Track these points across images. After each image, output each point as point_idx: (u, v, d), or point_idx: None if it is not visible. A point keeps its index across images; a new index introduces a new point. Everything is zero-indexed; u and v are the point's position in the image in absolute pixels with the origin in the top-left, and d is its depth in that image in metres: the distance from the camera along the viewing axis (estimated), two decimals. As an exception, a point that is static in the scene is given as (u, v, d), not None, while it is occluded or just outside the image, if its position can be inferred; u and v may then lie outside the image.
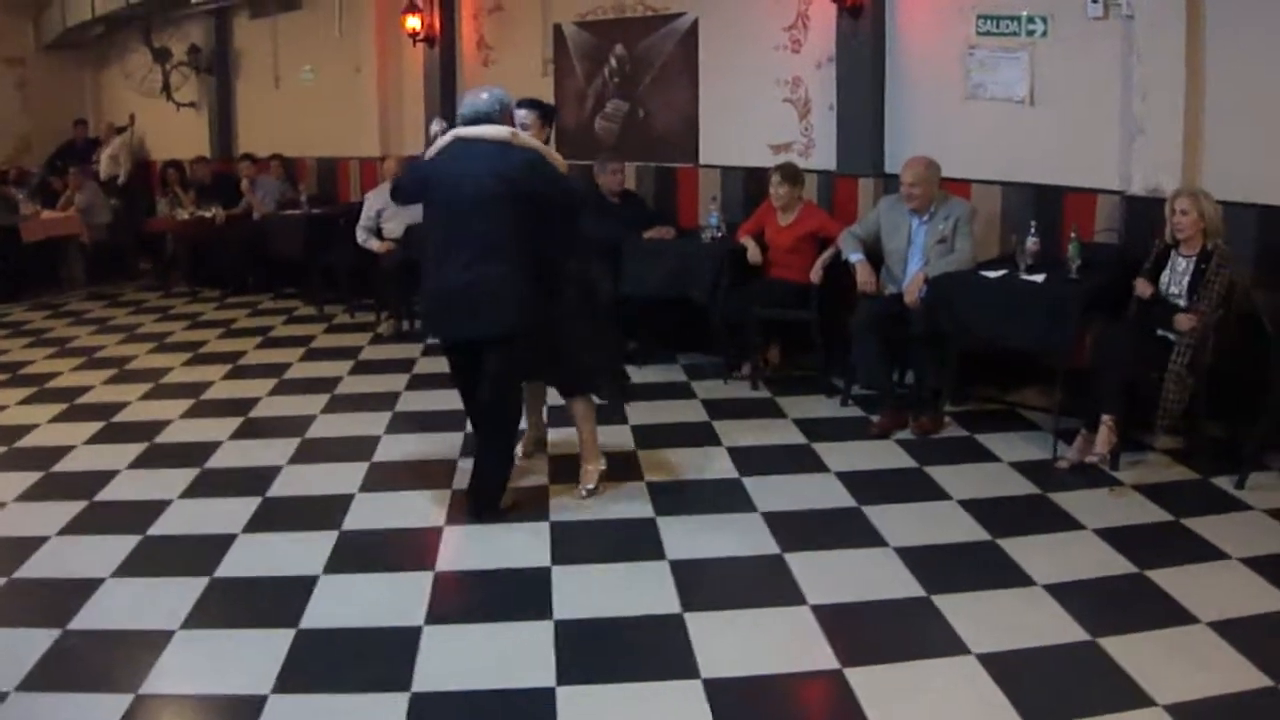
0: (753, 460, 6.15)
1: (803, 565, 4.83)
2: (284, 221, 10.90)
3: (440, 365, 7.98)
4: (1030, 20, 7.14)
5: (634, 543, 5.14)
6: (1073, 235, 6.43)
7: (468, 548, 5.18)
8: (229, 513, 5.54)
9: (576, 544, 5.15)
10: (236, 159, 12.60)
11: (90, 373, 8.55)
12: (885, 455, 6.26)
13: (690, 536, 5.16)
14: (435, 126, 5.77)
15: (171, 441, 6.76)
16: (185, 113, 13.41)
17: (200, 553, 5.08)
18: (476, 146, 5.29)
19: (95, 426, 7.07)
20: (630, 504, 5.58)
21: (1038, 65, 7.14)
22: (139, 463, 6.38)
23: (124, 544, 5.19)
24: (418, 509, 5.58)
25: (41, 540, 5.28)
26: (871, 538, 5.11)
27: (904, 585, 4.64)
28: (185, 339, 9.65)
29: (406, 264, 9.08)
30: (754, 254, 7.58)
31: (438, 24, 10.58)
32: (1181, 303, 5.82)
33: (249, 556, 5.08)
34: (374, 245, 9.59)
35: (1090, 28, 6.86)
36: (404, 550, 5.17)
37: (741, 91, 8.51)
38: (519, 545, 5.14)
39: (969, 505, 5.46)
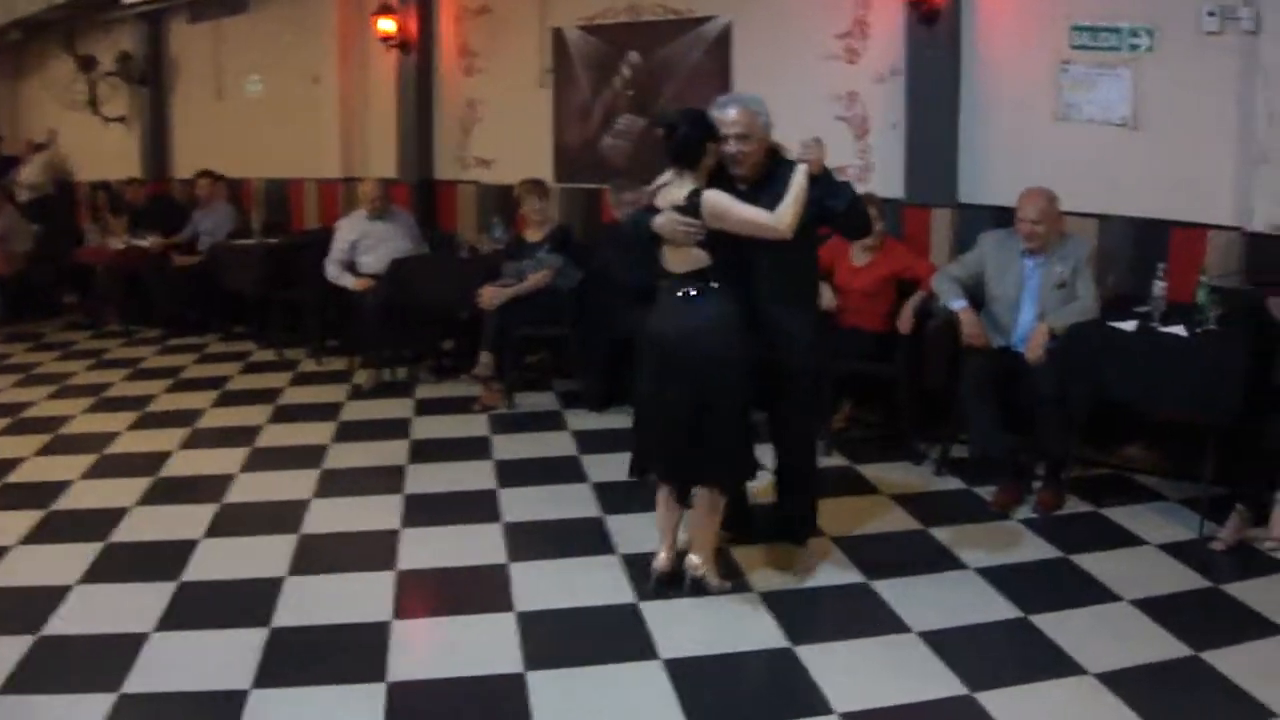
0: (872, 556, 5.14)
1: (1002, 708, 3.84)
2: (237, 252, 9.60)
3: (442, 429, 7.16)
4: (1133, 33, 6.30)
5: (781, 686, 4.08)
6: (1203, 279, 5.62)
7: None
8: (222, 646, 4.38)
9: (705, 687, 4.07)
10: (170, 179, 11.43)
11: (16, 440, 7.13)
12: (1019, 542, 5.34)
13: (848, 674, 4.10)
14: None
15: (132, 541, 5.44)
16: (114, 128, 12.06)
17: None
18: None
19: (33, 517, 5.72)
20: (753, 623, 4.51)
21: (1141, 84, 6.30)
22: (92, 575, 5.03)
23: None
24: (478, 646, 4.38)
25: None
26: (1063, 663, 4.15)
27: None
28: (127, 393, 8.29)
29: (390, 303, 7.98)
30: (829, 299, 6.54)
31: (413, 27, 9.47)
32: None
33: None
34: (348, 282, 8.40)
35: (1203, 42, 6.05)
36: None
37: (785, 107, 7.17)
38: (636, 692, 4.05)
39: (1146, 607, 4.60)
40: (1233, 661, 4.13)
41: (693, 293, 4.54)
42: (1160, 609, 4.58)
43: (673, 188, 4.56)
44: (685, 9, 8.08)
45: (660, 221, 4.52)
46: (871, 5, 7.17)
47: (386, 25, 9.37)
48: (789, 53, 7.57)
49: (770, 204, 4.49)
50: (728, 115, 4.62)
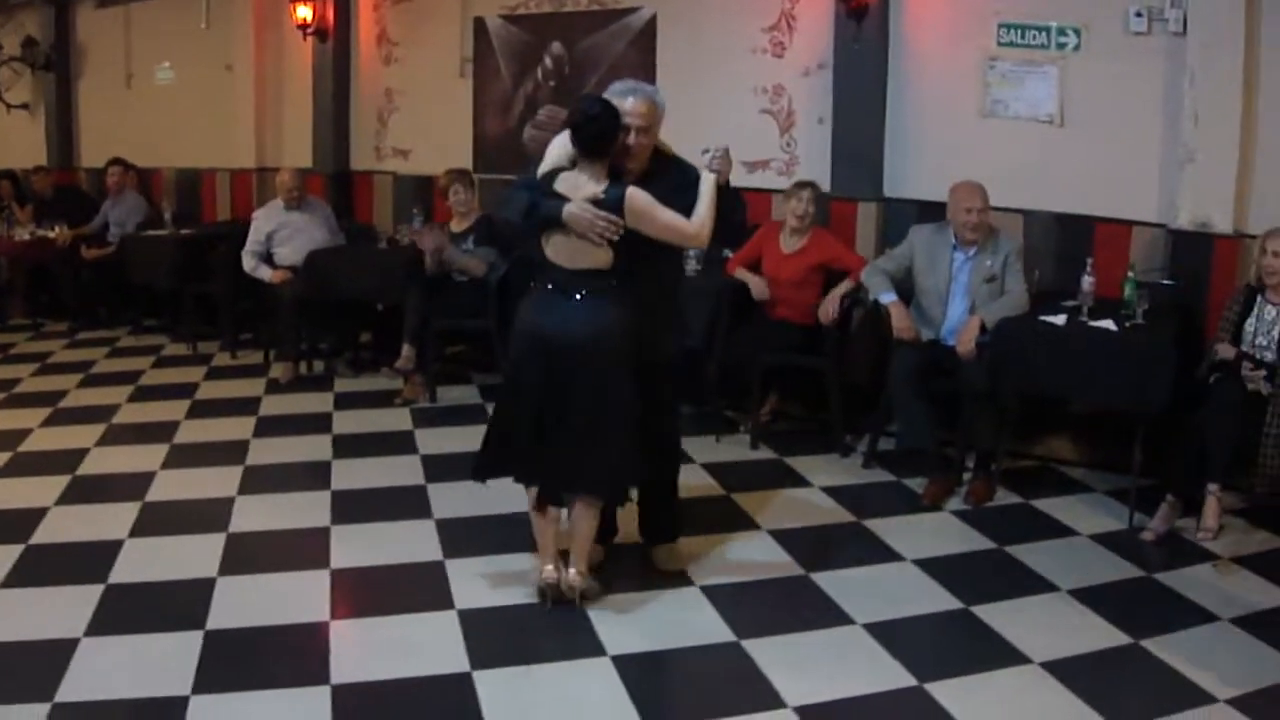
0: (807, 547, 5.18)
1: (951, 698, 3.86)
2: (149, 244, 9.33)
3: (364, 424, 7.07)
4: (1061, 32, 6.41)
5: (732, 680, 4.03)
6: (1130, 274, 5.76)
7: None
8: (157, 651, 4.21)
9: (656, 683, 4.07)
10: (77, 168, 11.13)
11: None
12: (953, 534, 5.41)
13: (797, 667, 4.08)
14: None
15: (53, 542, 5.22)
16: (17, 116, 11.61)
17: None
18: None
19: None
20: (698, 618, 4.48)
21: (1068, 82, 6.41)
22: (14, 579, 4.79)
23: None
24: (421, 646, 4.26)
25: None
26: (1007, 653, 4.20)
27: (1081, 718, 3.77)
28: (38, 389, 8.00)
29: (308, 295, 7.84)
30: (761, 289, 6.56)
31: (331, 14, 9.30)
32: (1270, 355, 5.22)
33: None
34: (265, 274, 8.21)
35: (1131, 43, 6.17)
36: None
37: (709, 100, 7.43)
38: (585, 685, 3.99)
39: (1083, 597, 4.67)
40: (1171, 648, 4.21)
41: (592, 292, 4.34)
42: (1097, 598, 4.65)
43: (583, 179, 4.34)
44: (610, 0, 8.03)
45: (575, 212, 4.24)
46: (799, -1, 7.18)
47: (303, 12, 9.18)
48: (715, 45, 7.56)
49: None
50: (627, 105, 4.35)
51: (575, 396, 4.33)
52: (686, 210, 4.34)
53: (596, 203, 4.26)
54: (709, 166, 4.41)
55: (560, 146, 4.43)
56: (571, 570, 4.51)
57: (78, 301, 10.09)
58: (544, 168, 4.44)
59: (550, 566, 4.52)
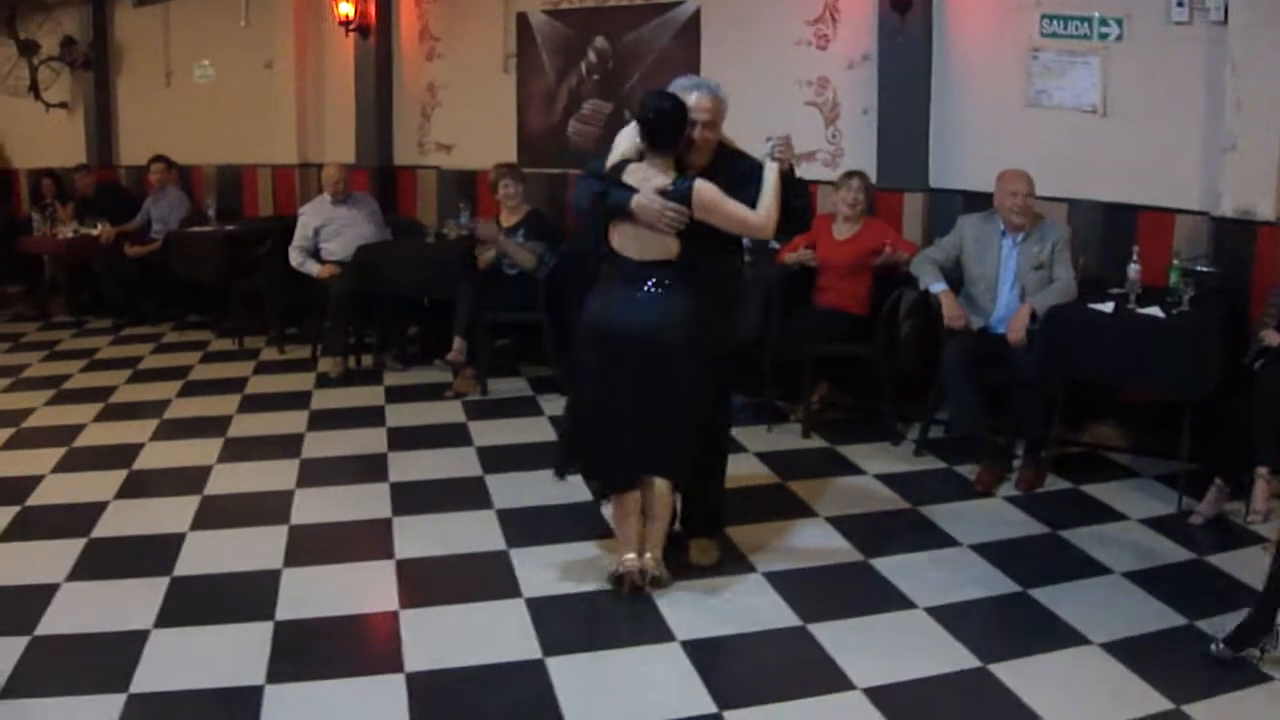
0: (865, 533, 5.25)
1: (1015, 678, 3.93)
2: (196, 240, 9.41)
3: (417, 417, 7.13)
4: (1103, 22, 6.44)
5: (801, 664, 4.10)
6: (1175, 261, 5.79)
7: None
8: (228, 642, 4.28)
9: (727, 666, 4.11)
10: (117, 166, 11.20)
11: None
12: (1006, 519, 5.47)
13: (863, 651, 4.14)
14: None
15: (115, 536, 5.26)
16: (56, 114, 11.64)
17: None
18: None
19: (7, 513, 5.47)
20: (763, 603, 4.55)
21: (1111, 71, 6.45)
22: (79, 572, 4.83)
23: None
24: (492, 634, 4.34)
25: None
26: (1067, 634, 4.27)
27: (1143, 696, 3.83)
28: (86, 384, 8.07)
29: (357, 289, 7.92)
30: (809, 256, 6.67)
31: (372, 10, 9.37)
32: (1317, 341, 5.22)
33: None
34: (312, 269, 8.31)
35: (1172, 32, 6.21)
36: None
37: (754, 92, 7.30)
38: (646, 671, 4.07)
39: (1137, 579, 4.75)
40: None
41: (660, 283, 4.42)
42: (1150, 580, 4.72)
43: (651, 171, 4.43)
44: (654, -8, 8.09)
45: (643, 202, 4.34)
46: (843, -9, 7.23)
47: (345, 8, 9.24)
48: (759, 38, 7.61)
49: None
50: (693, 100, 4.43)
51: (646, 386, 4.40)
52: (750, 202, 4.41)
53: (665, 194, 4.34)
54: (770, 155, 4.48)
55: (628, 140, 4.52)
56: (648, 555, 4.59)
57: (121, 298, 10.11)
58: (612, 159, 4.53)
59: (632, 554, 4.57)
